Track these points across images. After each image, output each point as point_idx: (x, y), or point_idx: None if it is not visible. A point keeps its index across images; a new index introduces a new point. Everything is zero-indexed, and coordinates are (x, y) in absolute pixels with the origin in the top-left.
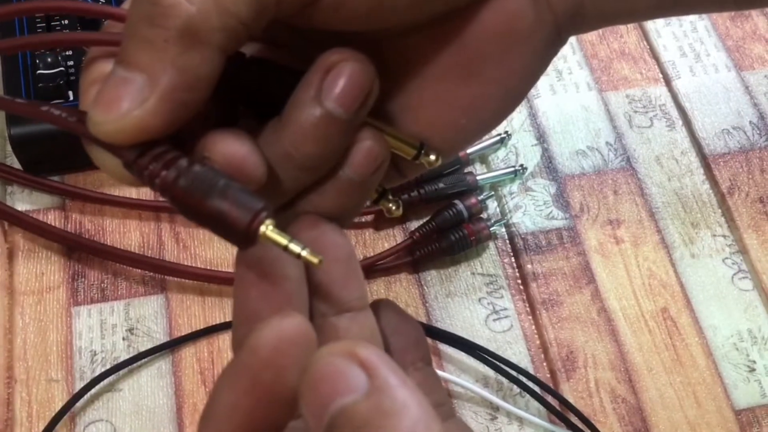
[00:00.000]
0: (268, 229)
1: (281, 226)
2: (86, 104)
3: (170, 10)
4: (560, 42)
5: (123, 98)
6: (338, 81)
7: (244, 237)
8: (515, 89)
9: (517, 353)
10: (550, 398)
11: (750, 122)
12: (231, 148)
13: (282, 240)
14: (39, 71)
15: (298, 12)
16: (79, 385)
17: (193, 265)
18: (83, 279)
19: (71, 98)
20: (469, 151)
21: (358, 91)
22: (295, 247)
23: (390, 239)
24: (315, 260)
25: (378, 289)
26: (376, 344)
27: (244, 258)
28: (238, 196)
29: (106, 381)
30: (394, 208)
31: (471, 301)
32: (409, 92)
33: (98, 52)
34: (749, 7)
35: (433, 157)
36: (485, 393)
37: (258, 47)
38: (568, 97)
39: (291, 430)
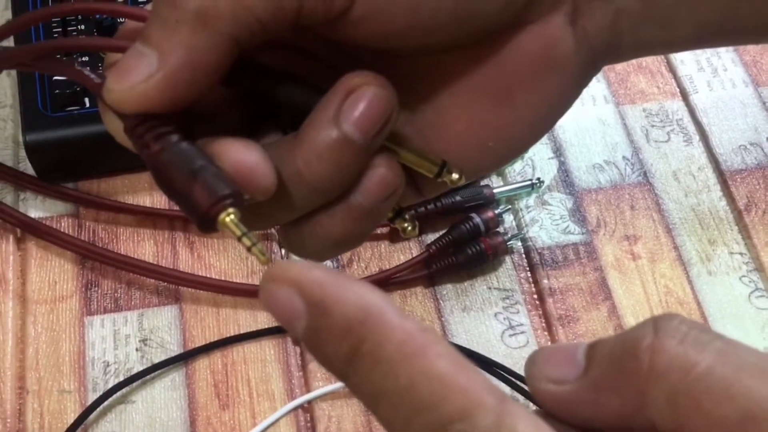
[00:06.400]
0: (229, 217)
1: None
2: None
3: None
4: (594, 71)
5: (134, 70)
6: (358, 105)
7: (203, 219)
8: (547, 116)
9: None
10: None
11: (767, 138)
12: (240, 156)
13: (237, 231)
14: (55, 78)
15: (324, 22)
16: (91, 397)
17: (208, 275)
18: (96, 288)
19: (87, 105)
20: None
21: (376, 117)
22: (247, 241)
23: (406, 252)
24: (263, 258)
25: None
26: None
27: None
28: (209, 179)
29: (119, 393)
30: (409, 228)
31: (487, 316)
32: (438, 109)
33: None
34: None
35: (455, 176)
36: None
37: (291, 56)
38: (585, 110)
39: None
